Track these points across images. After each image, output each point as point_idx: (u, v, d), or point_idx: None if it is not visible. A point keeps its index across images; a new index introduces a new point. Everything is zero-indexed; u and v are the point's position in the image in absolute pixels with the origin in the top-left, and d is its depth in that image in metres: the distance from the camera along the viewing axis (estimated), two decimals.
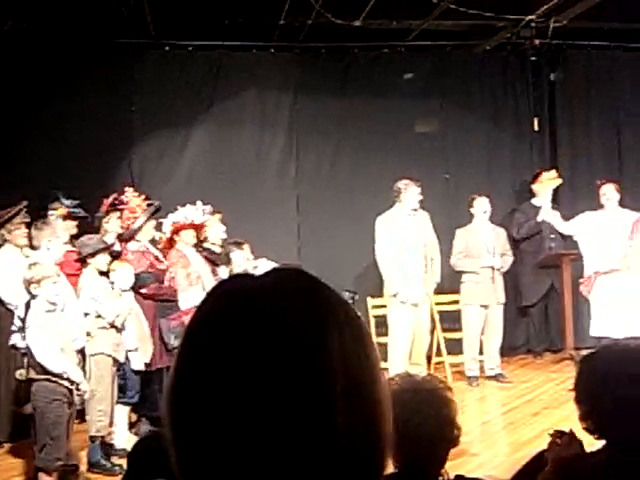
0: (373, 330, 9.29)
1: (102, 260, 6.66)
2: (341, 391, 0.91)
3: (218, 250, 8.00)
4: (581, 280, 9.15)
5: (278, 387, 0.89)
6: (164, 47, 10.02)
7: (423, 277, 8.74)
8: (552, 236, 10.11)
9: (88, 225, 7.87)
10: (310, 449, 0.89)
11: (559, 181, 9.72)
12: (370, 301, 9.47)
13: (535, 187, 9.94)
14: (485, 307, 9.15)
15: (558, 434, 2.84)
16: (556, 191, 10.12)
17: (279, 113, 10.28)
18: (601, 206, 9.14)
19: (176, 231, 7.48)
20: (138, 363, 6.79)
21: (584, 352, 3.91)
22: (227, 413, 0.89)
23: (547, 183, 9.70)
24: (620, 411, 2.48)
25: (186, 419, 0.93)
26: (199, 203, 7.78)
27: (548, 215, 9.48)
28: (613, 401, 2.47)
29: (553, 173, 9.74)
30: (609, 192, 9.09)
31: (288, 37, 10.01)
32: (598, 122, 11.12)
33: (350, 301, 8.63)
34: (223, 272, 7.55)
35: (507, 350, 9.91)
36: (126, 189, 7.87)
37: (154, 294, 7.15)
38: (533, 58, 10.81)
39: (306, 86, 10.28)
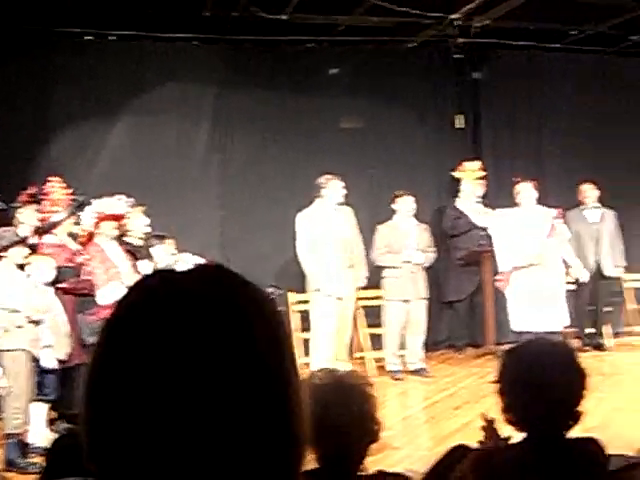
0: (294, 325, 9.33)
1: (18, 253, 6.52)
2: (263, 387, 0.92)
3: (140, 243, 7.90)
4: (497, 277, 9.32)
5: (197, 384, 0.88)
6: (86, 36, 9.84)
7: (347, 272, 8.81)
8: (482, 233, 10.28)
9: (5, 218, 7.68)
10: (229, 446, 0.89)
11: (481, 174, 9.80)
12: (292, 296, 9.49)
13: (457, 175, 10.01)
14: (407, 302, 9.25)
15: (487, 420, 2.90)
16: None
17: (203, 106, 10.19)
18: (517, 204, 9.39)
19: (97, 222, 7.33)
20: (50, 360, 6.65)
21: (505, 347, 3.99)
22: (144, 411, 0.88)
23: (469, 174, 9.78)
24: (540, 404, 2.53)
25: (101, 416, 0.91)
26: (121, 195, 7.66)
27: (465, 205, 9.61)
28: (534, 394, 2.52)
29: (476, 164, 9.79)
30: (525, 190, 9.30)
31: (213, 29, 9.94)
32: (521, 121, 11.33)
33: (273, 296, 8.65)
34: (144, 266, 7.45)
35: (429, 345, 10.03)
36: (51, 179, 7.69)
37: (73, 288, 7.03)
38: (457, 56, 10.94)
39: (231, 79, 10.21)
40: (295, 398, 0.96)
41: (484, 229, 10.17)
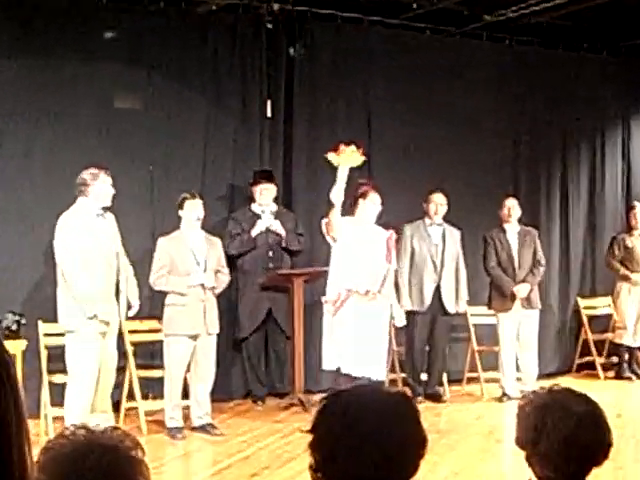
0: (44, 365, 8.99)
1: None
2: None
3: None
4: (326, 299, 9.21)
5: None
6: None
7: (112, 299, 8.59)
8: (271, 254, 10.26)
9: None
10: None
11: (362, 159, 9.61)
12: (44, 327, 9.14)
13: (331, 157, 9.84)
14: (194, 338, 9.13)
15: None
16: (289, 191, 10.33)
17: None
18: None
19: None
20: None
21: (316, 397, 3.97)
22: None
23: (348, 157, 9.55)
24: (362, 463, 2.49)
25: None
26: None
27: (339, 196, 9.36)
28: (356, 449, 2.49)
29: (354, 147, 9.70)
30: (374, 200, 9.38)
31: None
32: (345, 107, 11.51)
33: (14, 326, 8.33)
34: None
35: (220, 394, 9.99)
36: None
37: None
38: (269, 26, 10.99)
39: None
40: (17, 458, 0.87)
41: (272, 248, 10.14)
